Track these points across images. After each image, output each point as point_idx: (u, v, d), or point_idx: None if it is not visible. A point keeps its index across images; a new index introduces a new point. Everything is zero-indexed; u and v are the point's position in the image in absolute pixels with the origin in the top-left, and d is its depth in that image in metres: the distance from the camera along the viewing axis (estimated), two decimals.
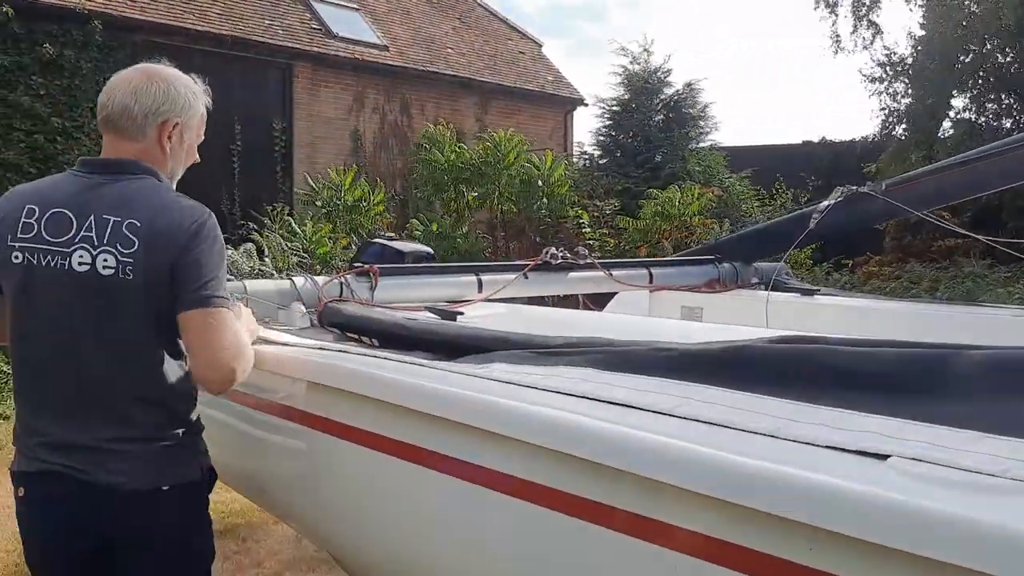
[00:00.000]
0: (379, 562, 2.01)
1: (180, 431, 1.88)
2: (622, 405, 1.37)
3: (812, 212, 3.43)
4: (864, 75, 12.63)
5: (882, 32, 13.00)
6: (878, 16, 12.90)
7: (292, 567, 4.08)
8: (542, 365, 1.66)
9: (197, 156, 2.13)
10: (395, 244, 3.16)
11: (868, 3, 12.92)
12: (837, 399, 1.23)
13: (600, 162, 13.81)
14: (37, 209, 1.85)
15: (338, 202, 12.17)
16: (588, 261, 3.21)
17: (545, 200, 10.68)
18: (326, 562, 4.14)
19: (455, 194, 11.26)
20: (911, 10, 13.17)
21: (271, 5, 14.81)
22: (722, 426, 1.24)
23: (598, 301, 3.88)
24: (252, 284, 2.47)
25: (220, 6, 13.96)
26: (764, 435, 1.19)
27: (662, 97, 14.00)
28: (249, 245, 10.90)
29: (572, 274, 3.18)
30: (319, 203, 12.47)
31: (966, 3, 11.75)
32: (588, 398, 1.44)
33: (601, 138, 14.26)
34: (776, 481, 1.07)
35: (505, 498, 1.46)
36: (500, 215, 11.17)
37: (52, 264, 1.80)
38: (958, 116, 12.22)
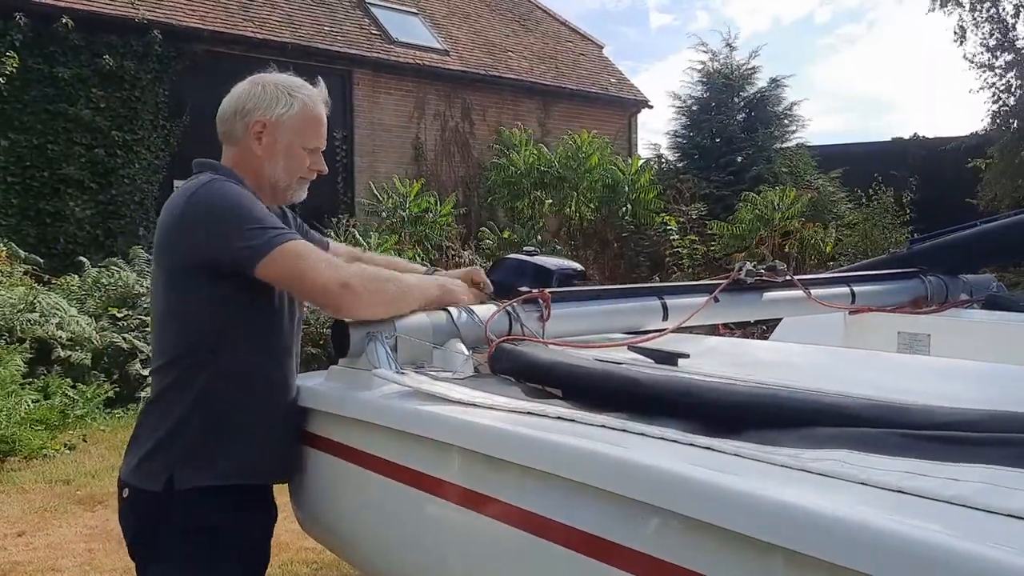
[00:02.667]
0: None
1: (158, 429, 1.83)
2: None
3: None
4: (975, 63, 11.76)
5: (995, 21, 12.12)
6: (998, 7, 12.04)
7: None
8: (938, 460, 1.05)
9: (323, 166, 2.02)
10: (537, 259, 2.55)
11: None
12: None
13: (678, 165, 13.09)
14: None
15: (403, 213, 11.73)
16: (787, 278, 2.58)
17: (629, 206, 10.02)
18: None
19: (531, 200, 10.66)
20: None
21: (330, 11, 14.46)
22: None
23: (742, 326, 3.25)
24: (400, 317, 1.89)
25: (279, 14, 13.64)
26: None
27: (744, 95, 13.24)
28: None
29: (767, 294, 2.56)
30: (383, 214, 12.04)
31: None
32: None
33: (678, 139, 13.54)
34: None
35: None
36: (580, 221, 10.54)
37: None
38: None
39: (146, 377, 7.30)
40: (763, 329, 3.48)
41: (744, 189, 10.86)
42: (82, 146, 11.16)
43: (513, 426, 1.41)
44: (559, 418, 1.42)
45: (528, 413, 1.47)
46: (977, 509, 0.94)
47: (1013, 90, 11.52)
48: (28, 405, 6.70)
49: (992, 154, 11.22)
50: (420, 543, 1.66)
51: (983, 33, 12.14)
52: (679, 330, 2.27)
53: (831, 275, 3.06)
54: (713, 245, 9.86)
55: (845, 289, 2.78)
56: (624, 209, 10.14)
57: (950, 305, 2.96)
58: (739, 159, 12.34)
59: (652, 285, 2.46)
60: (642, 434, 1.29)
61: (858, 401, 1.25)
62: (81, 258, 9.58)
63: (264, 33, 12.92)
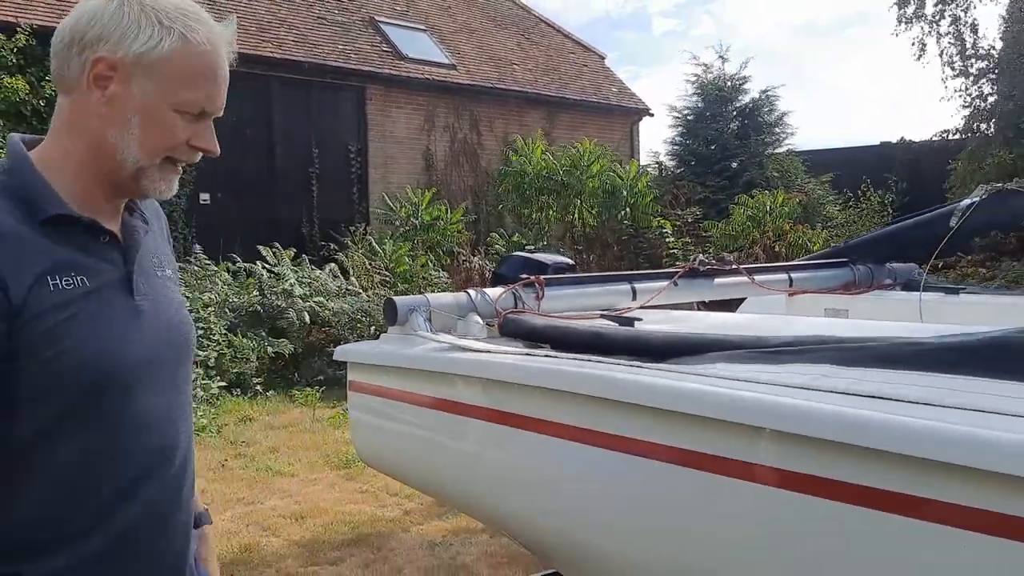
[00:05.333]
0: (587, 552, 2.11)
1: None
2: (885, 399, 1.43)
3: (951, 212, 3.43)
4: (952, 67, 12.42)
5: (967, 28, 12.78)
6: (966, 16, 12.70)
7: (431, 573, 4.18)
8: (768, 363, 1.73)
9: (211, 143, 1.30)
10: (536, 256, 3.25)
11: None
12: None
13: (676, 171, 13.85)
14: None
15: (415, 221, 12.44)
16: (733, 267, 3.27)
17: (628, 211, 10.74)
18: (464, 568, 4.24)
19: (538, 206, 11.42)
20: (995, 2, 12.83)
21: (342, 30, 15.20)
22: (1003, 414, 1.30)
23: (717, 308, 3.92)
24: (433, 297, 2.59)
25: (295, 34, 14.38)
26: None
27: (737, 105, 13.98)
28: (333, 265, 11.20)
29: (718, 280, 3.24)
30: (397, 222, 12.75)
31: None
32: (841, 393, 1.51)
33: (675, 147, 14.29)
34: None
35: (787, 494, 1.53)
36: (582, 226, 11.27)
37: None
38: None
39: None
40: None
41: (738, 193, 11.56)
42: None
43: (519, 362, 2.11)
44: (547, 356, 2.11)
45: (527, 354, 2.17)
46: (791, 387, 1.62)
47: (984, 96, 12.18)
48: None
49: (961, 157, 11.88)
50: (460, 456, 2.36)
51: (947, 42, 12.77)
52: (644, 308, 2.95)
53: (773, 265, 3.74)
54: (708, 246, 10.54)
55: (784, 276, 3.47)
56: (623, 213, 10.86)
57: (874, 287, 3.63)
58: (733, 165, 13.06)
59: (624, 273, 3.15)
60: (600, 362, 1.98)
61: (734, 335, 1.93)
62: None
63: (281, 53, 13.64)
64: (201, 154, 1.30)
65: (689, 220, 10.56)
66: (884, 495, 1.42)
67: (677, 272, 3.14)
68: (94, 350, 1.19)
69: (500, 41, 17.91)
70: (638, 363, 1.94)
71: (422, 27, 16.55)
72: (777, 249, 10.13)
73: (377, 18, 15.95)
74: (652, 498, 1.83)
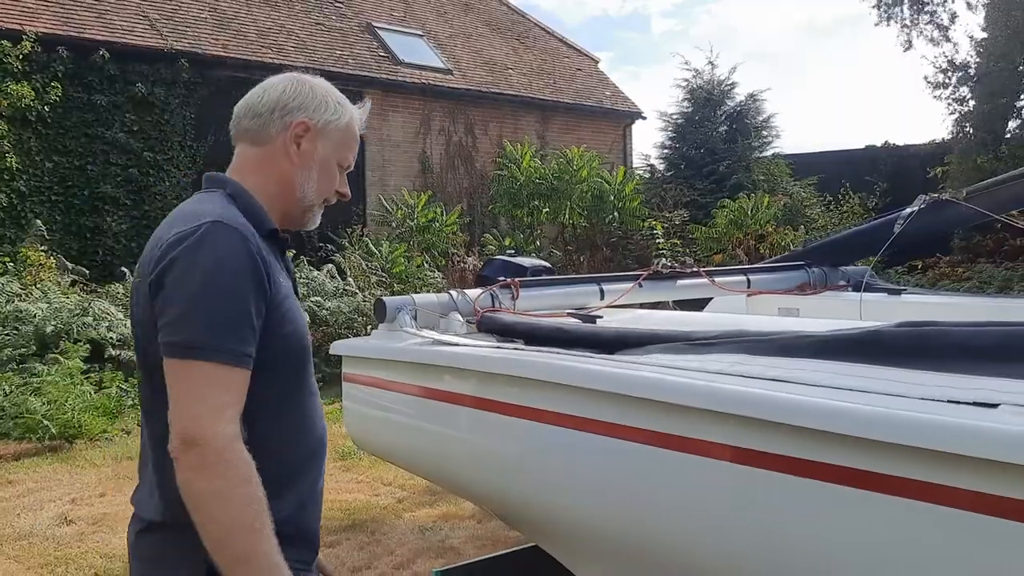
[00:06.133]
0: (547, 518, 2.42)
1: (180, 519, 1.39)
2: (780, 381, 1.75)
3: (896, 219, 3.75)
4: (929, 81, 12.78)
5: (947, 37, 13.12)
6: (946, 21, 13.05)
7: (422, 554, 4.50)
8: (696, 353, 2.05)
9: (346, 188, 1.75)
10: (517, 260, 3.57)
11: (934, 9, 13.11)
12: (955, 368, 1.60)
13: (666, 174, 14.22)
14: None
15: (411, 222, 12.75)
16: (693, 270, 3.59)
17: (616, 214, 11.10)
18: (452, 549, 4.56)
19: (530, 209, 11.77)
20: (973, 9, 13.14)
21: (340, 36, 15.52)
22: (863, 392, 1.62)
23: (691, 307, 4.24)
24: (419, 297, 2.91)
25: (294, 40, 14.71)
26: (896, 395, 1.56)
27: (725, 109, 14.35)
28: (331, 266, 11.51)
29: (680, 282, 3.56)
30: (393, 224, 13.07)
31: None
32: (747, 377, 1.83)
33: (665, 151, 14.66)
34: (912, 423, 1.45)
35: (732, 466, 1.83)
36: (572, 229, 11.62)
37: None
38: None
39: None
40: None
41: (725, 196, 11.90)
42: (118, 166, 12.22)
43: (491, 354, 2.43)
44: (515, 348, 2.43)
45: (498, 347, 2.48)
46: (711, 372, 1.94)
47: (965, 102, 12.50)
48: (90, 396, 7.74)
49: (950, 160, 12.21)
50: (440, 438, 2.67)
51: (927, 41, 13.10)
52: (610, 307, 3.27)
53: (733, 268, 4.06)
54: (695, 248, 10.88)
55: (743, 278, 3.79)
56: (611, 217, 11.21)
57: (827, 289, 3.95)
58: (721, 168, 13.41)
59: (593, 275, 3.47)
60: (560, 353, 2.30)
61: (671, 330, 2.25)
62: (123, 269, 10.62)
63: (281, 59, 13.95)
64: (337, 197, 1.75)
65: (677, 222, 10.90)
66: (785, 459, 1.74)
67: (642, 275, 3.46)
68: (302, 334, 1.59)
69: (495, 46, 18.23)
70: (592, 354, 2.26)
71: (419, 33, 16.87)
72: (761, 251, 10.46)
73: (374, 24, 16.27)
74: (609, 472, 2.13)
